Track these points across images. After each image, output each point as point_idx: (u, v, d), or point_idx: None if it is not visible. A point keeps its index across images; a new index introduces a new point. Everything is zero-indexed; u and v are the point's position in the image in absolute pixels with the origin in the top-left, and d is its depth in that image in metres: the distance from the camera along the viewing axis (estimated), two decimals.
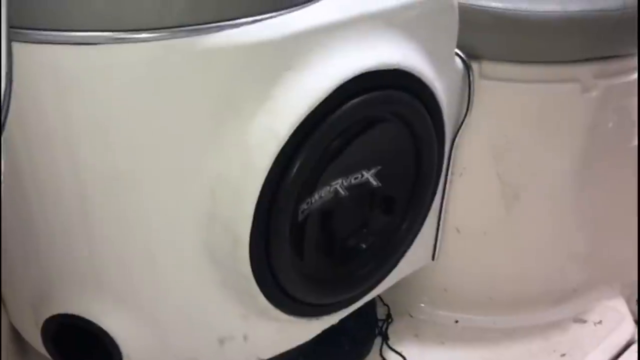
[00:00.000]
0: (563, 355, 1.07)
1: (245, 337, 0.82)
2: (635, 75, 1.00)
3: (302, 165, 0.71)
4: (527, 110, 0.98)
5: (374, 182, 0.85)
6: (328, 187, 0.79)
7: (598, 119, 1.01)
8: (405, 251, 0.94)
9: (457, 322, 1.13)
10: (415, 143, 0.86)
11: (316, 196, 0.78)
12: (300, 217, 0.77)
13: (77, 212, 0.72)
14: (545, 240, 1.10)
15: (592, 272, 1.19)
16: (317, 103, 0.69)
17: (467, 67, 0.92)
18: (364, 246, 0.87)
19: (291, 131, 0.68)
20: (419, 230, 0.95)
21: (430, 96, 0.84)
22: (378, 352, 1.06)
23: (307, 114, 0.69)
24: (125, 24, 0.63)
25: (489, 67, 0.95)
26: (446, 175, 0.98)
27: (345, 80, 0.71)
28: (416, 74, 0.80)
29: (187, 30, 0.64)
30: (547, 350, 1.08)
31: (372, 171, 0.85)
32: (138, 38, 0.63)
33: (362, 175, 0.84)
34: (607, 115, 1.01)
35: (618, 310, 1.18)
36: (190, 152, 0.68)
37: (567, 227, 1.11)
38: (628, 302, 1.22)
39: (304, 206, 0.77)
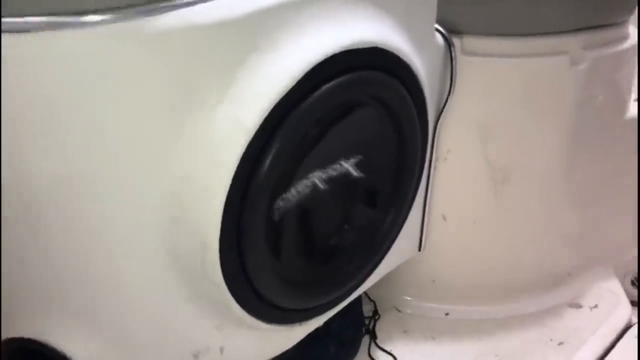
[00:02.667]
0: (561, 343, 1.01)
1: (221, 350, 0.74)
2: (626, 44, 0.94)
3: (274, 159, 0.63)
4: (514, 87, 0.91)
5: (355, 173, 0.78)
6: (305, 181, 0.72)
7: (588, 93, 0.95)
8: (391, 245, 0.87)
9: (447, 314, 1.07)
10: (396, 128, 0.79)
11: (292, 191, 0.71)
12: (276, 215, 0.70)
13: (26, 222, 0.64)
14: (536, 224, 1.05)
15: (586, 253, 1.14)
16: (288, 88, 0.62)
17: (449, 43, 0.85)
18: (347, 243, 0.80)
19: (260, 121, 0.61)
20: (404, 221, 0.88)
21: (411, 76, 0.77)
22: (366, 351, 0.99)
23: (277, 100, 0.61)
24: (66, 6, 0.55)
25: (471, 42, 0.88)
26: (430, 160, 0.91)
27: (318, 61, 0.64)
28: (394, 52, 0.73)
29: (138, 12, 0.56)
30: (543, 339, 1.03)
31: (352, 161, 0.78)
32: (81, 22, 0.55)
33: (342, 166, 0.77)
34: (597, 88, 0.95)
35: (614, 292, 1.13)
36: (148, 149, 0.60)
37: (559, 209, 1.06)
38: (622, 282, 1.17)
39: (280, 203, 0.70)
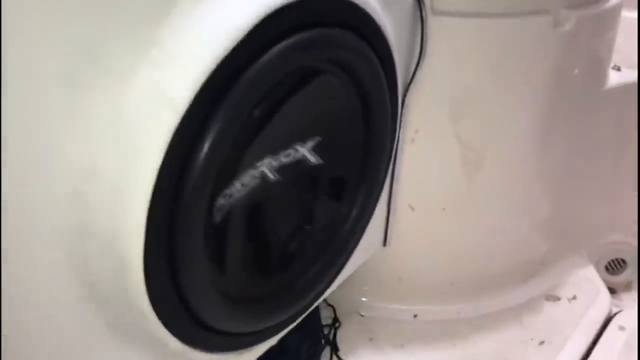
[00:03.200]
0: (542, 342, 0.91)
1: None
2: (611, 3, 0.83)
3: (213, 144, 0.48)
4: (489, 52, 0.78)
5: (312, 159, 0.64)
6: (252, 171, 0.57)
7: (567, 60, 0.84)
8: (357, 243, 0.73)
9: (415, 316, 0.94)
10: (363, 101, 0.64)
11: (237, 185, 0.56)
12: (217, 217, 0.55)
13: None
14: (509, 209, 0.93)
15: (559, 240, 1.03)
16: (229, 49, 0.46)
17: (419, 1, 0.71)
18: (306, 246, 0.66)
19: (193, 94, 0.45)
20: (372, 214, 0.74)
21: (380, 37, 0.62)
22: None
23: (215, 66, 0.45)
24: None
25: (448, 1, 0.74)
26: (396, 142, 0.78)
27: (267, 13, 0.48)
28: (362, 5, 0.58)
29: None
30: (522, 338, 0.92)
31: (309, 144, 0.63)
32: None
33: (296, 151, 0.62)
34: (578, 53, 0.84)
35: (591, 281, 1.04)
36: (37, 136, 0.43)
37: (533, 192, 0.95)
38: (601, 269, 1.08)
39: (221, 201, 0.54)
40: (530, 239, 0.99)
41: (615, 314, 0.98)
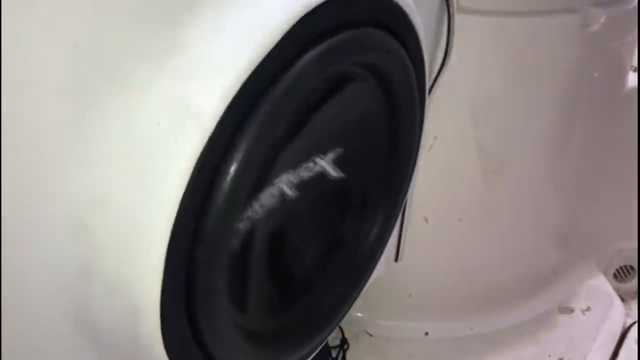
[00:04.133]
0: (560, 359, 0.86)
1: None
2: (634, 3, 0.78)
3: (242, 165, 0.40)
4: (514, 52, 0.73)
5: (333, 173, 0.57)
6: (270, 189, 0.50)
7: (590, 61, 0.79)
8: (377, 262, 0.67)
9: (427, 334, 0.88)
10: (391, 106, 0.58)
11: (256, 206, 0.48)
12: (235, 244, 0.47)
13: None
14: (524, 218, 0.88)
15: (570, 248, 0.99)
16: (263, 55, 0.39)
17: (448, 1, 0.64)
18: (327, 270, 0.59)
19: (224, 108, 0.37)
20: (391, 230, 0.68)
21: (413, 36, 0.55)
22: None
23: (248, 74, 0.38)
24: None
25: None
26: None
27: (306, 12, 0.41)
28: (397, 1, 0.51)
29: None
30: (539, 354, 0.87)
31: (330, 156, 0.56)
32: None
33: (316, 164, 0.55)
34: (600, 56, 0.79)
35: (603, 291, 1.00)
36: (36, 158, 0.35)
37: (546, 199, 0.90)
38: (609, 277, 1.04)
39: (240, 225, 0.47)
40: (543, 247, 0.94)
41: (630, 326, 0.94)
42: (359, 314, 0.87)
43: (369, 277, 0.66)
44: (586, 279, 1.00)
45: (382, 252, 0.67)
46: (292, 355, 0.56)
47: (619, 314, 0.95)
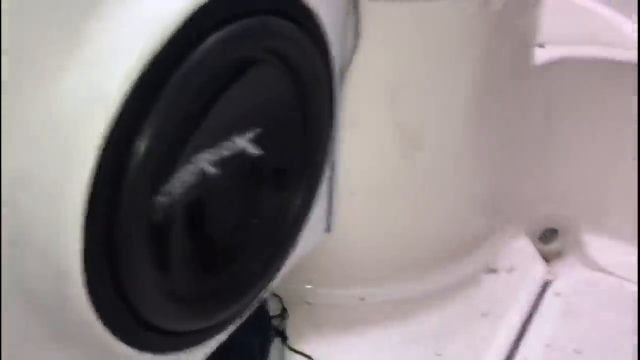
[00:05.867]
0: (485, 314, 0.94)
1: None
2: None
3: (153, 139, 0.46)
4: (423, 35, 0.79)
5: (253, 150, 0.63)
6: (189, 167, 0.55)
7: (497, 40, 0.85)
8: (300, 232, 0.73)
9: (363, 299, 0.95)
10: (299, 89, 0.64)
11: (176, 181, 0.54)
12: (158, 215, 0.53)
13: None
14: (448, 188, 0.95)
15: (496, 214, 1.07)
16: (167, 38, 0.44)
17: None
18: (251, 239, 0.65)
19: (129, 89, 0.43)
20: (315, 201, 0.74)
21: (313, 22, 0.61)
22: (278, 357, 0.85)
23: (151, 58, 0.43)
24: None
25: None
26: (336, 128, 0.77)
27: (203, 2, 0.46)
28: None
29: None
30: (466, 312, 0.95)
31: (249, 136, 0.62)
32: None
33: (235, 143, 0.61)
34: (505, 34, 0.86)
35: (527, 252, 1.07)
36: None
37: (469, 170, 0.97)
38: (534, 239, 1.12)
39: (161, 199, 0.52)
40: (469, 215, 1.01)
41: (550, 282, 1.02)
42: (298, 284, 0.93)
43: (293, 245, 0.72)
44: (511, 242, 1.08)
45: (304, 222, 0.73)
46: (217, 317, 0.62)
47: (540, 272, 1.03)
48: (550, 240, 1.16)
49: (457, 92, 0.86)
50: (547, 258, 1.14)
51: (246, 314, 0.70)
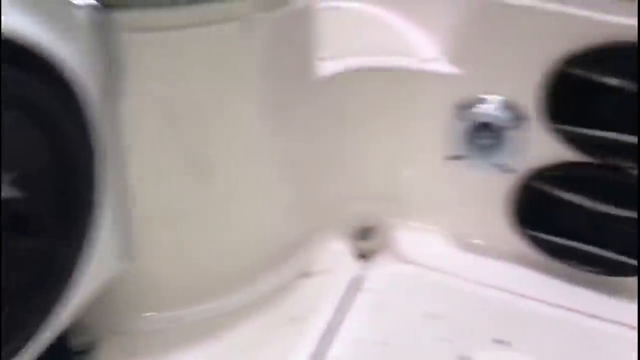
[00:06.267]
0: (293, 319, 0.98)
1: None
2: (300, 3, 0.90)
3: None
4: (192, 62, 0.81)
5: (10, 194, 0.62)
6: None
7: (269, 57, 0.89)
8: (79, 270, 0.73)
9: (175, 321, 0.96)
10: (48, 132, 0.64)
11: None
12: None
13: None
14: (251, 203, 0.98)
15: (308, 220, 1.11)
16: None
17: (103, 21, 0.71)
18: (15, 286, 0.64)
19: None
20: (86, 242, 0.74)
21: (52, 66, 0.62)
22: None
23: None
24: None
25: (132, 16, 0.75)
26: (115, 158, 0.78)
27: None
28: (23, 41, 0.57)
29: None
30: (276, 319, 0.98)
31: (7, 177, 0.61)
32: None
33: None
34: (278, 51, 0.90)
35: (340, 252, 1.13)
36: None
37: (271, 183, 1.00)
38: (351, 239, 1.18)
39: None
40: (278, 225, 1.05)
41: (363, 279, 1.09)
42: (107, 315, 0.93)
43: (67, 290, 0.71)
44: (327, 244, 1.14)
45: (76, 265, 0.73)
46: None
47: (352, 271, 1.09)
48: (366, 238, 1.22)
49: (241, 112, 0.89)
50: (366, 255, 1.21)
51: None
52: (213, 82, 0.85)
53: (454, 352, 0.95)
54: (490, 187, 1.10)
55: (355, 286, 1.07)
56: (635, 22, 0.88)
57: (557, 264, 1.10)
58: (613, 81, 0.91)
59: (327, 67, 1.02)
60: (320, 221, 1.14)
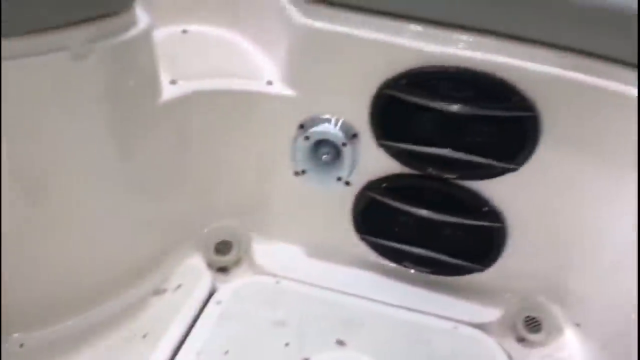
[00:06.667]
0: (145, 335, 1.01)
1: None
2: (134, 31, 0.95)
3: None
4: (29, 89, 0.84)
5: None
6: None
7: (110, 83, 0.93)
8: None
9: (23, 345, 0.97)
10: None
11: None
12: None
13: None
14: (96, 222, 1.01)
15: (165, 237, 1.15)
16: None
17: None
18: None
19: None
20: None
21: None
22: None
23: None
24: None
25: None
26: None
27: None
28: None
29: None
30: (127, 336, 1.01)
31: None
32: None
33: None
34: (119, 77, 0.94)
35: (196, 267, 1.18)
36: None
37: (122, 202, 1.04)
38: (210, 254, 1.23)
39: None
40: (129, 245, 1.08)
41: (215, 292, 1.14)
42: None
43: None
44: (184, 260, 1.18)
45: None
46: None
47: (205, 284, 1.14)
48: (226, 251, 1.28)
49: (79, 137, 0.93)
50: (226, 269, 1.27)
51: None
52: (47, 108, 0.88)
53: (296, 356, 1.02)
54: (334, 199, 1.19)
55: (208, 300, 1.12)
56: (444, 49, 0.99)
57: (395, 266, 1.20)
58: (426, 101, 1.02)
59: (175, 90, 1.07)
60: (177, 238, 1.18)
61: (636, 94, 0.94)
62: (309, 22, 1.03)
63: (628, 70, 0.95)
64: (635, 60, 0.94)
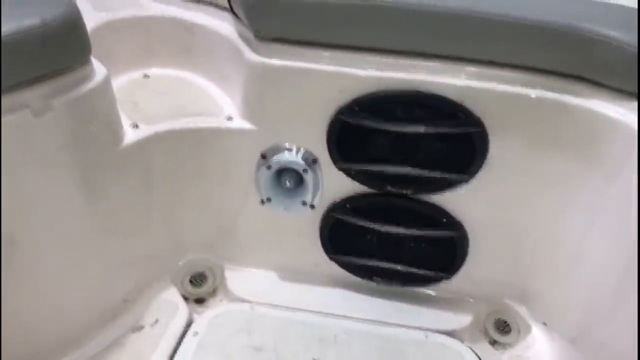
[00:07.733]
0: None
1: None
2: (91, 84, 0.98)
3: None
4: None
5: None
6: None
7: (72, 133, 0.96)
8: None
9: None
10: None
11: None
12: None
13: None
14: (65, 267, 1.04)
15: (139, 275, 1.19)
16: None
17: None
18: None
19: None
20: None
21: None
22: None
23: None
24: None
25: None
26: None
27: None
28: None
29: None
30: None
31: None
32: None
33: None
34: (79, 126, 0.98)
35: (171, 301, 1.21)
36: None
37: (86, 245, 1.07)
38: (185, 287, 1.26)
39: None
40: (101, 286, 1.12)
41: (192, 323, 1.17)
42: None
43: None
44: (158, 296, 1.21)
45: None
46: None
47: (182, 316, 1.17)
48: (202, 283, 1.31)
49: (44, 187, 0.96)
50: (203, 300, 1.30)
51: None
52: (13, 164, 0.91)
53: None
54: (301, 223, 1.23)
55: (185, 332, 1.15)
56: (391, 74, 1.04)
57: (365, 282, 1.25)
58: (377, 124, 1.07)
59: (137, 133, 1.10)
60: (151, 275, 1.22)
61: (574, 101, 1.00)
62: (262, 59, 1.07)
63: (565, 82, 1.00)
64: (572, 71, 0.99)
